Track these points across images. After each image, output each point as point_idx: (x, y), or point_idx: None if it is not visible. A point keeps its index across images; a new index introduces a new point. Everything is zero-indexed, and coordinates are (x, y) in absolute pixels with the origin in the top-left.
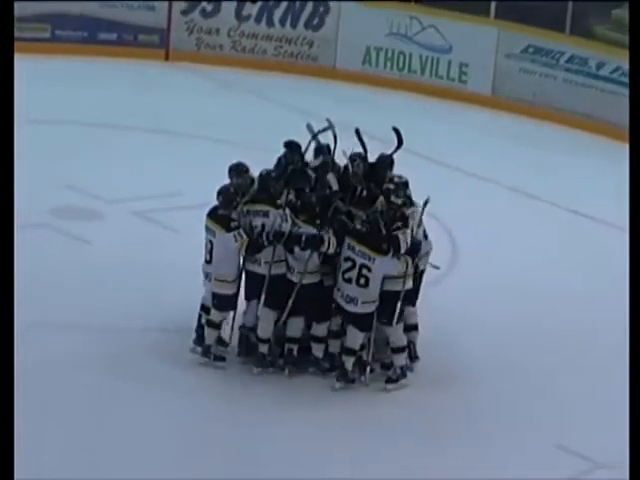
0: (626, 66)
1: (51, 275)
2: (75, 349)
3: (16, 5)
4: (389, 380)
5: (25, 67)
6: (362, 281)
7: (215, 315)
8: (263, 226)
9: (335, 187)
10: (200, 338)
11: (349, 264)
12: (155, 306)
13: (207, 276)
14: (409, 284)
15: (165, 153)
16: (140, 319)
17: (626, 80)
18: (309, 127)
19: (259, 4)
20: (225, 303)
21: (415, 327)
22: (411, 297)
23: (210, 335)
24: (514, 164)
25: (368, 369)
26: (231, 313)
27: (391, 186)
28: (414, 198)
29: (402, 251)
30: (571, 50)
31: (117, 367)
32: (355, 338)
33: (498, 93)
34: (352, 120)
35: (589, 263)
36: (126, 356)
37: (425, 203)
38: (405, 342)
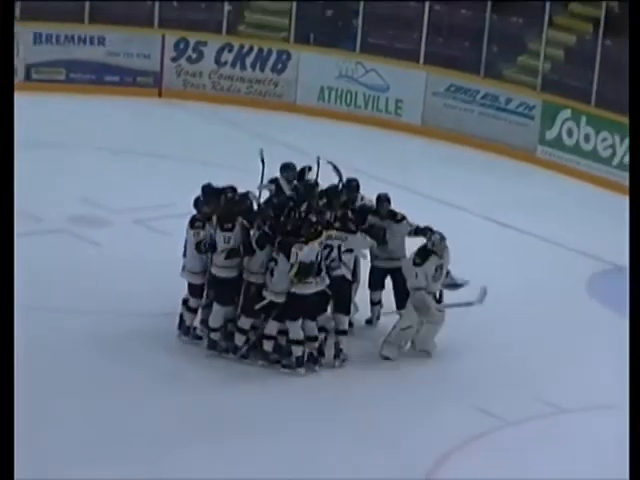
0: (529, 101)
1: (69, 269)
2: (78, 329)
3: (38, 51)
4: (284, 366)
5: (45, 103)
6: None
7: (191, 301)
8: (229, 239)
9: (288, 192)
10: (182, 321)
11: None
12: (151, 295)
13: (183, 268)
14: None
15: (159, 172)
16: (136, 305)
17: (529, 112)
18: (261, 152)
19: (234, 52)
20: (195, 291)
21: (343, 332)
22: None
23: (188, 318)
24: (442, 182)
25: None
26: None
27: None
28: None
29: (291, 259)
30: (485, 89)
31: (110, 345)
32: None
33: (427, 124)
34: (310, 146)
35: (510, 263)
36: (120, 337)
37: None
38: (301, 336)
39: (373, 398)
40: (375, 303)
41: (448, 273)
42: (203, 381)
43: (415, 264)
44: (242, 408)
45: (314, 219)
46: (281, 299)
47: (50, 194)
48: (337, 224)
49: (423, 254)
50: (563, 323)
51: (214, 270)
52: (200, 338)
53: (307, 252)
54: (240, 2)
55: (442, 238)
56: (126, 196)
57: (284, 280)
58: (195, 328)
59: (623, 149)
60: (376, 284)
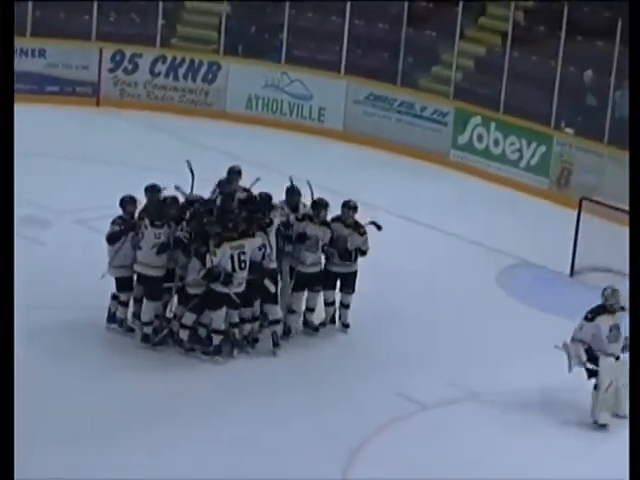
0: (443, 109)
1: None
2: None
3: None
4: (204, 353)
5: None
6: None
7: (122, 295)
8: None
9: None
10: (112, 314)
11: None
12: (86, 290)
13: (109, 265)
14: None
15: (98, 176)
16: (75, 299)
17: (442, 119)
18: (189, 163)
19: (167, 64)
20: (123, 285)
21: (276, 321)
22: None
23: (121, 312)
24: (362, 183)
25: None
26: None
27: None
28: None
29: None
30: (401, 97)
31: (42, 336)
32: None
33: (348, 130)
34: (239, 150)
35: (424, 257)
36: (53, 329)
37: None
38: (221, 326)
39: (293, 382)
40: (328, 304)
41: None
42: (130, 369)
43: (586, 318)
44: (166, 395)
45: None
46: (198, 291)
47: None
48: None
49: (596, 310)
50: (475, 313)
51: (140, 268)
52: (132, 330)
53: (219, 256)
54: (173, 17)
55: (613, 291)
56: (67, 198)
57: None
58: (125, 319)
59: (530, 152)
60: (328, 285)
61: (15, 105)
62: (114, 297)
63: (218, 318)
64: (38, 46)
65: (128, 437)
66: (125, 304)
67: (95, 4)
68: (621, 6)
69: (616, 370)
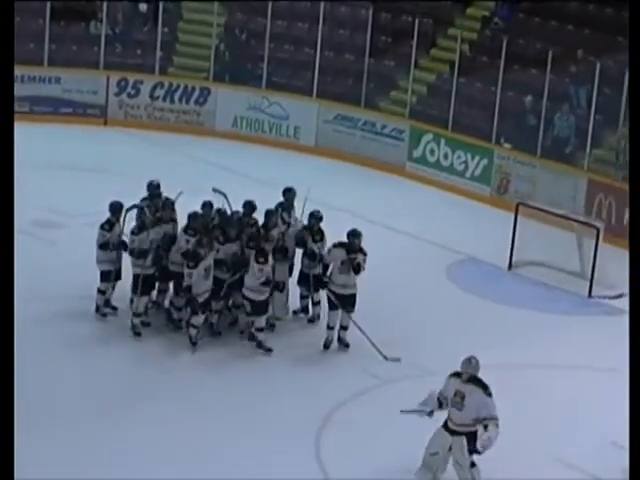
0: (400, 127)
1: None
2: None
3: None
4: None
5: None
6: None
7: (102, 285)
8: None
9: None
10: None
11: None
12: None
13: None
14: None
15: (105, 184)
16: (80, 290)
17: (399, 135)
18: (215, 189)
19: (165, 89)
20: (106, 276)
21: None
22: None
23: (99, 299)
24: (331, 190)
25: None
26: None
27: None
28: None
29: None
30: (365, 117)
31: (44, 322)
32: None
33: (319, 145)
34: (226, 162)
35: (383, 254)
36: (52, 315)
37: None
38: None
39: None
40: (330, 327)
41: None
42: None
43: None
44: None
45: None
46: (259, 297)
47: (16, 203)
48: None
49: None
50: (427, 302)
51: (139, 270)
52: (115, 308)
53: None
54: (169, 49)
55: (469, 360)
56: (79, 204)
57: None
58: (109, 300)
59: (474, 164)
60: (332, 306)
61: (34, 125)
62: (99, 291)
63: (262, 320)
64: (54, 74)
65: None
66: (103, 292)
67: (103, 38)
68: (552, 39)
69: (445, 443)
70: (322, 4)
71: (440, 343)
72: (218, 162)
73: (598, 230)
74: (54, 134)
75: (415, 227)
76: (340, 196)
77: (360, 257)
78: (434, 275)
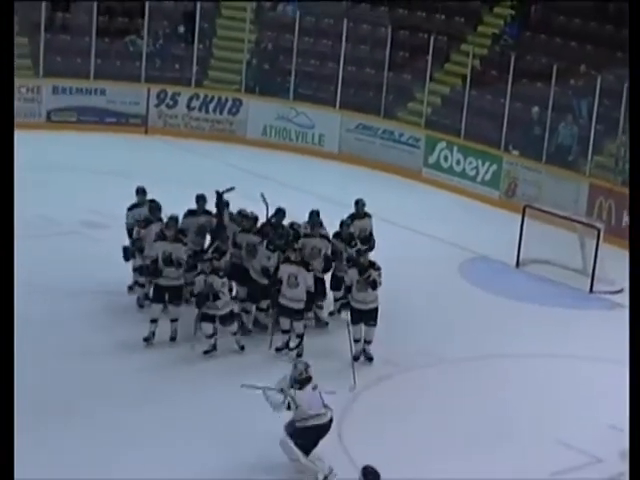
0: (416, 135)
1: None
2: (72, 303)
3: (56, 99)
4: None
5: (61, 139)
6: None
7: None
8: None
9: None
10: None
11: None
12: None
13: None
14: None
15: (145, 188)
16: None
17: (416, 143)
18: (262, 196)
19: (200, 100)
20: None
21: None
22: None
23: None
24: (352, 193)
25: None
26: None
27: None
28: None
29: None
30: (384, 126)
31: (90, 315)
32: None
33: (342, 152)
34: (256, 167)
35: (401, 252)
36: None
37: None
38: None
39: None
40: (356, 341)
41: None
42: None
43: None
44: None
45: None
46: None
47: (66, 205)
48: None
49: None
50: (441, 297)
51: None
52: (142, 306)
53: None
54: (204, 64)
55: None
56: (122, 206)
57: None
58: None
59: (484, 170)
60: (355, 320)
61: (81, 133)
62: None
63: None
64: (100, 87)
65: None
66: (143, 285)
67: (144, 54)
68: (556, 55)
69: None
70: (345, 22)
71: (452, 333)
72: (248, 167)
73: (599, 231)
74: (99, 142)
75: (430, 228)
76: (366, 198)
77: (374, 273)
78: (447, 272)
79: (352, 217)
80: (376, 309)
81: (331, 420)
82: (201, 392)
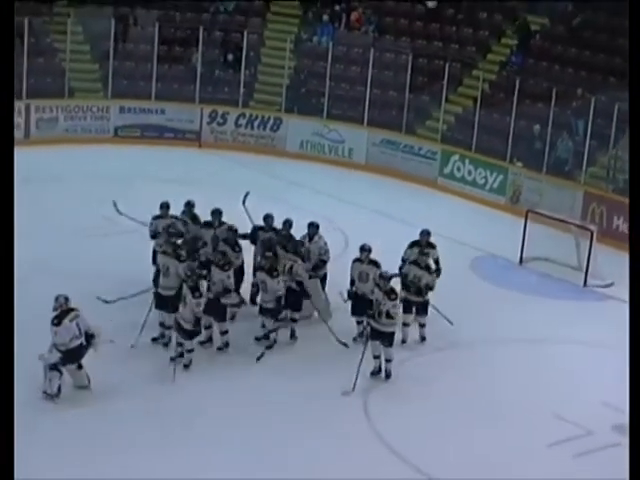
0: (433, 149)
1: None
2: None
3: (122, 118)
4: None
5: (127, 152)
6: None
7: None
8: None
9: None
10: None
11: None
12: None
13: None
14: None
15: (198, 196)
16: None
17: (433, 156)
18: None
19: (247, 118)
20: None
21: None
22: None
23: None
24: (377, 199)
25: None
26: None
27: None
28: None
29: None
30: (405, 141)
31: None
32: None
33: (369, 164)
34: (294, 177)
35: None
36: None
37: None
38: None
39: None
40: (376, 357)
41: None
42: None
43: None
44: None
45: None
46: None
47: (127, 207)
48: None
49: None
50: (454, 289)
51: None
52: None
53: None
54: (250, 87)
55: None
56: (177, 210)
57: None
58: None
59: (492, 179)
60: (374, 337)
61: (144, 147)
62: None
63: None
64: (160, 106)
65: None
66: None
67: (198, 78)
68: (556, 79)
69: None
70: (372, 51)
71: (463, 321)
72: (288, 177)
73: (592, 232)
74: (160, 154)
75: (444, 229)
76: (384, 204)
77: (389, 304)
78: (460, 267)
79: (413, 245)
80: (393, 333)
81: (82, 345)
82: (185, 389)
